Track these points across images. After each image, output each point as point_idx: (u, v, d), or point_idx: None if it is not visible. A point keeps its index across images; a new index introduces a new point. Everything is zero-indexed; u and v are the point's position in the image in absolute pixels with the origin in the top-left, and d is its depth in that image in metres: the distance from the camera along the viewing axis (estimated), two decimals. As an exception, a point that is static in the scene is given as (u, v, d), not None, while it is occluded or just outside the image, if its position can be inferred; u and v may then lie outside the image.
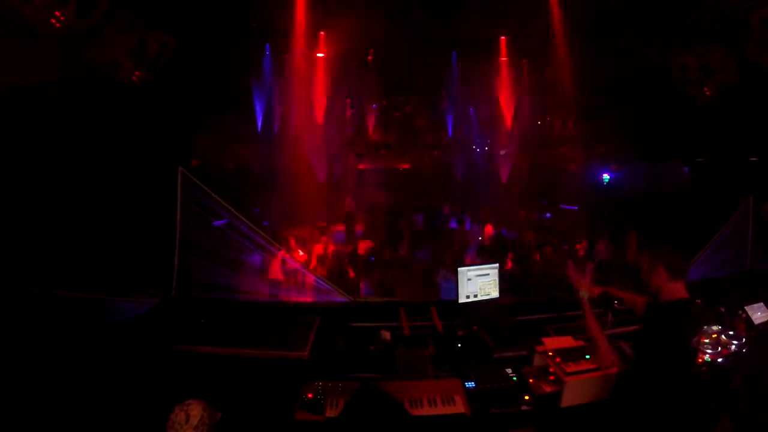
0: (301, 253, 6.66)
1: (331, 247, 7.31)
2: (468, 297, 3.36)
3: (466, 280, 3.36)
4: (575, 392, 2.44)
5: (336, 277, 5.43)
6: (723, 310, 3.38)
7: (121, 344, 2.91)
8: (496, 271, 3.46)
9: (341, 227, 10.01)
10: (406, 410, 1.77)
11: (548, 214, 11.01)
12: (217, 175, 7.69)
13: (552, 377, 2.55)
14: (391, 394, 1.74)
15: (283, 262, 5.25)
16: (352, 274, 6.28)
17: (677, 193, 8.06)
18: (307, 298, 4.68)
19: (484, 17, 7.77)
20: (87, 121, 4.99)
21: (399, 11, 7.55)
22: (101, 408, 2.46)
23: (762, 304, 3.50)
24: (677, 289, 2.08)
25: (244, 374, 2.69)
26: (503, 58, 9.66)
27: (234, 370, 2.72)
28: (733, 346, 3.08)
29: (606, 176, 10.44)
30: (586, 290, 2.42)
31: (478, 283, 3.39)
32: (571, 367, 2.50)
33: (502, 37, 9.38)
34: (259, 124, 10.17)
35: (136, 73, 5.33)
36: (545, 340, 2.88)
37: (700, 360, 2.87)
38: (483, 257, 6.69)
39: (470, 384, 2.57)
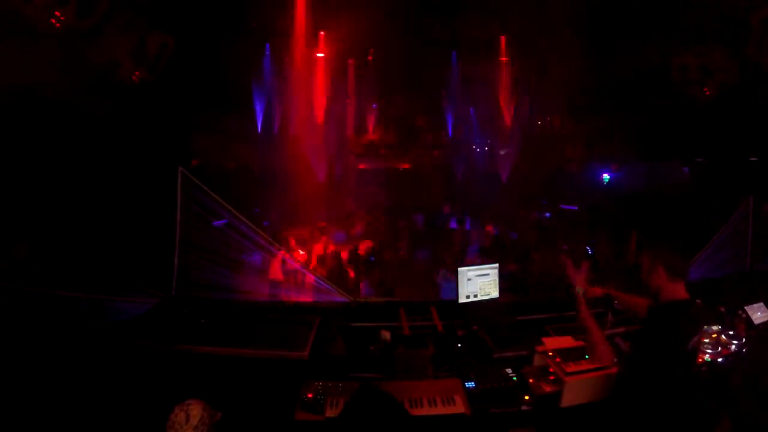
0: (301, 252, 6.65)
1: (331, 247, 7.31)
2: (468, 297, 3.36)
3: (466, 280, 3.36)
4: (575, 392, 2.44)
5: (336, 277, 5.43)
6: (723, 310, 3.38)
7: (121, 344, 2.91)
8: (496, 271, 3.46)
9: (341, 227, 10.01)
10: (406, 410, 1.77)
11: (548, 214, 11.00)
12: (217, 175, 7.68)
13: (552, 377, 2.56)
14: (391, 394, 1.74)
15: (283, 262, 5.25)
16: (352, 274, 6.28)
17: (677, 193, 8.05)
18: (307, 298, 4.68)
19: (484, 17, 7.77)
20: (87, 121, 4.99)
21: (399, 11, 7.55)
22: (101, 408, 2.46)
23: (762, 304, 3.50)
24: (677, 290, 2.07)
25: (244, 374, 2.69)
26: (503, 58, 9.67)
27: (234, 370, 2.72)
28: (733, 346, 3.08)
29: (606, 176, 10.43)
30: (581, 286, 2.43)
31: (478, 283, 3.39)
32: (571, 367, 2.50)
33: (502, 37, 9.38)
34: (259, 124, 10.17)
35: (136, 73, 5.33)
36: (545, 340, 2.88)
37: (700, 360, 2.87)
38: (483, 257, 6.68)
39: (470, 384, 2.57)
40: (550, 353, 2.66)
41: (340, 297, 4.04)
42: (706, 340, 3.05)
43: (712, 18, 5.55)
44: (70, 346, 2.84)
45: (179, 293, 3.71)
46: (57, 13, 4.23)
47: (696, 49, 5.82)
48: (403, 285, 5.94)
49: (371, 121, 12.10)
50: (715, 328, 3.20)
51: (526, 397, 2.47)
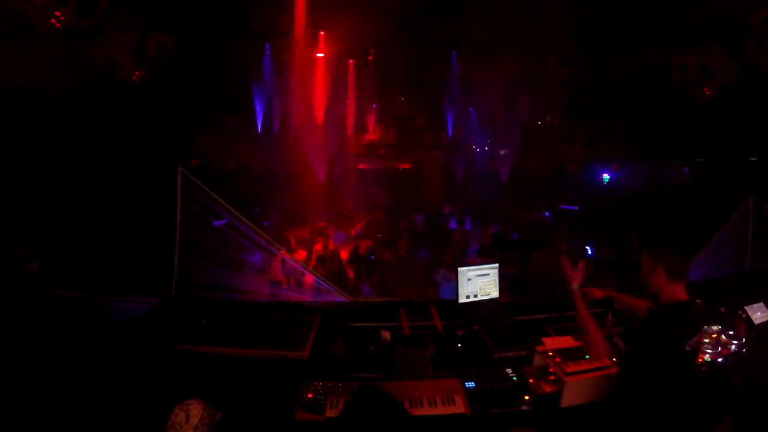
0: (301, 252, 6.66)
1: (331, 247, 7.31)
2: (468, 297, 3.36)
3: (466, 280, 3.36)
4: (575, 392, 2.44)
5: (336, 277, 5.43)
6: (723, 310, 3.38)
7: (121, 344, 2.91)
8: (496, 271, 3.46)
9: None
10: (406, 410, 1.77)
11: (547, 214, 11.00)
12: (217, 175, 7.69)
13: (552, 377, 2.55)
14: (391, 394, 1.74)
15: (283, 262, 5.25)
16: (351, 274, 6.28)
17: (677, 193, 8.05)
18: (307, 298, 4.68)
19: (485, 17, 7.77)
20: (87, 121, 4.99)
21: (399, 11, 7.55)
22: (101, 408, 2.46)
23: (762, 304, 3.50)
24: (677, 291, 2.07)
25: (244, 374, 2.69)
26: (503, 58, 9.65)
27: (234, 370, 2.72)
28: (733, 346, 3.08)
29: (606, 176, 10.43)
30: (577, 283, 2.43)
31: (478, 283, 3.39)
32: (571, 367, 2.50)
33: (502, 37, 9.38)
34: (259, 124, 10.18)
35: (136, 73, 5.33)
36: (545, 340, 2.88)
37: (700, 360, 2.87)
38: (483, 257, 6.68)
39: (470, 384, 2.57)
40: (550, 353, 2.66)
41: (340, 297, 4.05)
42: (706, 340, 3.05)
43: (712, 18, 5.55)
44: (71, 346, 2.84)
45: (179, 293, 3.71)
46: (57, 13, 4.24)
47: (696, 49, 5.83)
48: (403, 285, 5.94)
49: (371, 121, 12.10)
50: (715, 328, 3.20)
51: (526, 397, 2.47)
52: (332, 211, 9.81)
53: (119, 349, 2.86)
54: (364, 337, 3.04)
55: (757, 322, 3.37)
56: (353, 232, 8.78)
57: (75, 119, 4.88)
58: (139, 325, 3.20)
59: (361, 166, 11.99)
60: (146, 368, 2.72)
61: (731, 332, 3.20)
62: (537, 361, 2.73)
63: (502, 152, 12.22)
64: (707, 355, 2.96)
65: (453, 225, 9.70)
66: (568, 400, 2.44)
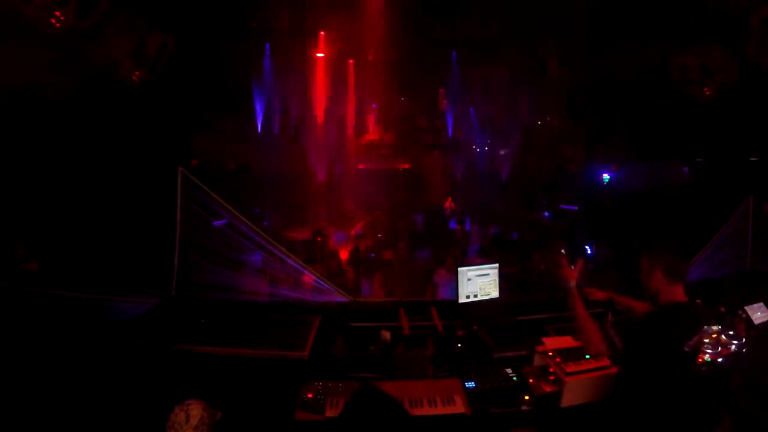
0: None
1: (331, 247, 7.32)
2: (468, 297, 3.36)
3: (466, 280, 3.36)
4: (575, 392, 2.44)
5: (336, 277, 5.44)
6: (723, 310, 3.38)
7: (121, 344, 2.91)
8: (496, 271, 3.46)
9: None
10: (406, 410, 1.77)
11: (546, 214, 11.00)
12: (217, 175, 7.69)
13: (552, 377, 2.56)
14: (391, 394, 1.74)
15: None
16: (351, 274, 6.28)
17: (677, 193, 8.05)
18: (307, 298, 4.67)
19: (485, 17, 7.77)
20: (87, 121, 4.99)
21: (399, 11, 7.55)
22: (101, 408, 2.46)
23: (762, 304, 3.50)
24: (676, 292, 2.07)
25: (244, 374, 2.69)
26: (503, 58, 9.65)
27: (234, 370, 2.72)
28: (733, 346, 3.08)
29: (606, 176, 10.43)
30: (574, 280, 2.43)
31: (478, 283, 3.39)
32: (571, 367, 2.50)
33: (502, 37, 9.38)
34: (259, 124, 10.18)
35: (136, 73, 5.33)
36: (545, 340, 2.88)
37: (700, 360, 2.87)
38: (483, 257, 6.69)
39: (470, 384, 2.57)
40: (550, 353, 2.66)
41: (340, 297, 4.04)
42: (706, 340, 3.05)
43: (712, 18, 5.55)
44: (71, 346, 2.84)
45: (179, 293, 3.71)
46: (57, 13, 4.24)
47: (696, 49, 5.82)
48: (403, 285, 5.95)
49: (371, 121, 12.09)
50: (715, 328, 3.20)
51: (526, 397, 2.47)
52: (332, 211, 9.81)
53: (119, 349, 2.86)
54: (364, 337, 3.04)
55: (757, 322, 3.37)
56: (353, 232, 8.78)
57: (75, 119, 4.88)
58: (139, 325, 3.20)
59: (361, 166, 11.98)
60: (146, 368, 2.72)
61: (731, 332, 3.20)
62: (537, 361, 2.73)
63: (502, 152, 12.23)
64: (707, 355, 2.96)
65: (453, 225, 9.71)
66: (568, 400, 2.44)
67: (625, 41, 6.72)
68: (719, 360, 2.96)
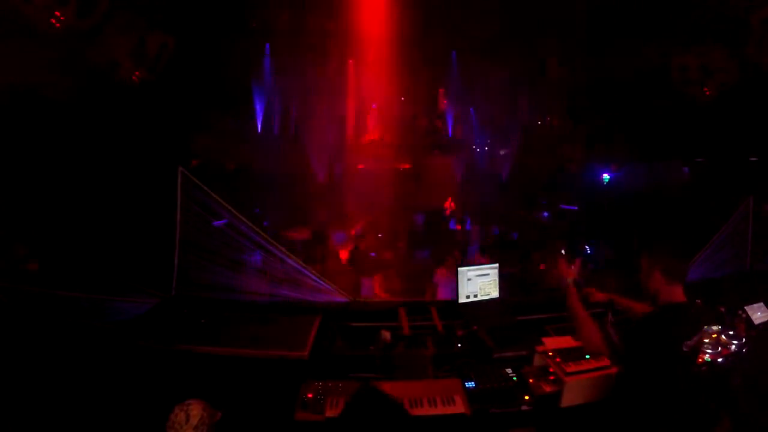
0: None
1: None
2: (468, 297, 3.36)
3: (466, 280, 3.36)
4: (575, 392, 2.44)
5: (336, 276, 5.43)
6: (723, 310, 3.38)
7: (121, 344, 2.91)
8: (496, 271, 3.46)
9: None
10: (406, 410, 1.77)
11: (545, 214, 11.01)
12: (217, 175, 7.69)
13: (552, 377, 2.55)
14: (391, 394, 1.74)
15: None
16: (351, 274, 6.27)
17: (677, 193, 8.06)
18: (307, 298, 4.67)
19: (484, 16, 7.77)
20: (87, 121, 5.00)
21: (399, 11, 7.56)
22: (101, 408, 2.46)
23: (762, 304, 3.50)
24: (675, 293, 2.07)
25: (244, 374, 2.69)
26: (503, 58, 9.65)
27: (234, 370, 2.72)
28: (733, 346, 3.08)
29: (606, 176, 10.43)
30: (572, 277, 2.43)
31: (478, 283, 3.39)
32: (571, 367, 2.50)
33: (502, 37, 9.38)
34: (259, 124, 10.18)
35: (136, 73, 5.34)
36: (545, 340, 2.88)
37: (700, 360, 2.87)
38: (487, 256, 6.68)
39: (470, 384, 2.57)
40: (550, 353, 2.66)
41: (340, 297, 4.04)
42: (706, 340, 3.05)
43: (712, 18, 5.55)
44: (70, 346, 2.84)
45: (179, 293, 3.70)
46: (57, 13, 4.24)
47: (696, 49, 5.83)
48: (403, 285, 5.94)
49: (371, 121, 12.09)
50: (715, 328, 3.20)
51: (526, 397, 2.47)
52: (332, 211, 9.80)
53: (119, 349, 2.86)
54: (364, 337, 3.04)
55: (757, 322, 3.37)
56: (353, 232, 8.78)
57: (75, 119, 4.88)
58: (139, 325, 3.20)
59: (360, 166, 11.97)
60: (146, 368, 2.72)
61: (731, 332, 3.20)
62: (537, 361, 2.73)
63: (502, 152, 12.23)
64: (707, 355, 2.96)
65: (453, 225, 9.71)
66: (568, 400, 2.44)
67: (625, 41, 6.73)
68: (719, 360, 2.96)
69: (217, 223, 3.96)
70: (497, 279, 3.44)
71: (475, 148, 12.81)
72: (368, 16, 7.54)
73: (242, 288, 4.07)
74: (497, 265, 3.49)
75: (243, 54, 8.10)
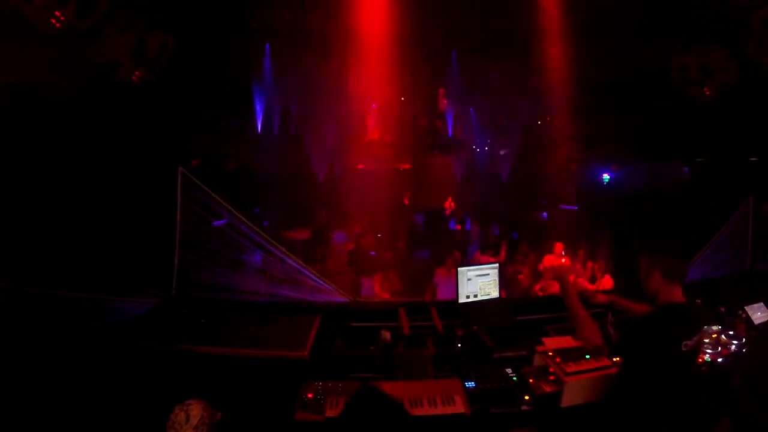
0: None
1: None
2: (468, 297, 3.36)
3: (466, 280, 3.36)
4: (575, 392, 2.44)
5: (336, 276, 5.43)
6: (723, 310, 3.38)
7: (121, 344, 2.91)
8: (496, 271, 3.46)
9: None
10: (406, 410, 1.77)
11: (545, 214, 11.02)
12: (217, 175, 7.69)
13: (552, 377, 2.56)
14: (391, 394, 1.74)
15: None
16: (352, 274, 6.28)
17: (677, 193, 8.06)
18: (307, 298, 4.68)
19: (484, 16, 7.77)
20: (87, 121, 4.99)
21: (399, 10, 7.55)
22: (101, 408, 2.46)
23: (762, 304, 3.50)
24: (674, 293, 2.08)
25: (244, 374, 2.69)
26: (503, 58, 9.64)
27: (234, 370, 2.72)
28: (733, 346, 3.09)
29: (606, 176, 10.44)
30: (570, 276, 2.43)
31: (478, 283, 3.39)
32: (571, 367, 2.51)
33: (502, 37, 9.37)
34: (259, 124, 10.18)
35: (136, 73, 5.33)
36: (545, 340, 2.88)
37: (700, 360, 2.87)
38: (489, 255, 6.67)
39: (470, 384, 2.57)
40: (550, 353, 2.66)
41: (340, 297, 4.04)
42: (706, 340, 3.05)
43: (712, 18, 5.54)
44: (70, 346, 2.84)
45: (179, 293, 3.70)
46: (57, 13, 4.23)
47: (696, 49, 5.82)
48: (403, 285, 5.95)
49: (371, 121, 12.08)
50: (715, 328, 3.21)
51: (526, 397, 2.47)
52: (332, 211, 9.81)
53: (119, 349, 2.86)
54: (364, 337, 3.04)
55: (757, 322, 3.37)
56: (353, 232, 8.78)
57: (75, 119, 4.88)
58: (139, 325, 3.20)
59: (360, 166, 11.97)
60: (146, 368, 2.72)
61: (731, 332, 3.20)
62: (537, 361, 2.73)
63: (502, 152, 12.23)
64: (707, 355, 2.97)
65: (453, 225, 9.71)
66: (568, 400, 2.44)
67: (625, 41, 6.72)
68: (719, 360, 2.96)
69: (217, 223, 3.96)
70: (497, 279, 3.45)
71: (475, 148, 12.81)
72: (368, 16, 7.52)
73: (242, 288, 4.08)
74: (497, 265, 3.49)
75: (243, 54, 8.10)
